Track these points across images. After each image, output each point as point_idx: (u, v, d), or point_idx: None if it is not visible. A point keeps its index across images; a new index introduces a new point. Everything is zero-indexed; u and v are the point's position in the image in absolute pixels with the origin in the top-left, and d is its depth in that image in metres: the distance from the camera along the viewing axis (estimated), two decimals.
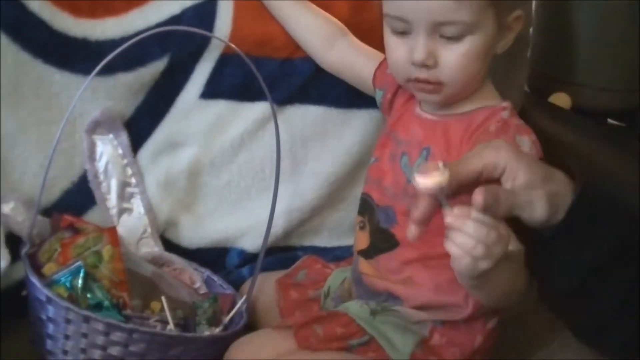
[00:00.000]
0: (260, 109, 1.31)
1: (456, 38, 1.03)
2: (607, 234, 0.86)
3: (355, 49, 1.28)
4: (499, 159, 0.86)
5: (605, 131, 1.45)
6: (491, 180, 0.87)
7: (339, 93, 1.37)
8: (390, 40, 1.08)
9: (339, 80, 1.35)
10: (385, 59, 1.17)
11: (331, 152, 1.39)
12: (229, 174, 1.35)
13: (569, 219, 0.85)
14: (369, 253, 1.14)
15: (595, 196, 0.86)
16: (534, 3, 1.73)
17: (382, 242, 1.12)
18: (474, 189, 0.84)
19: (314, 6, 1.31)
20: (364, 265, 1.14)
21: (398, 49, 1.07)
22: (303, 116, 1.37)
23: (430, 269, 1.09)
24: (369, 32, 1.27)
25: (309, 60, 1.35)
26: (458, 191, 0.87)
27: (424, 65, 1.04)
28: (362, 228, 1.16)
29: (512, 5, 1.07)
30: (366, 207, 1.15)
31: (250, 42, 1.29)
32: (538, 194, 0.85)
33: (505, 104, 1.09)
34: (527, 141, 1.04)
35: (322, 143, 1.38)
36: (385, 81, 1.21)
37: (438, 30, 1.02)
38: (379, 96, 1.23)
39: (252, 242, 1.34)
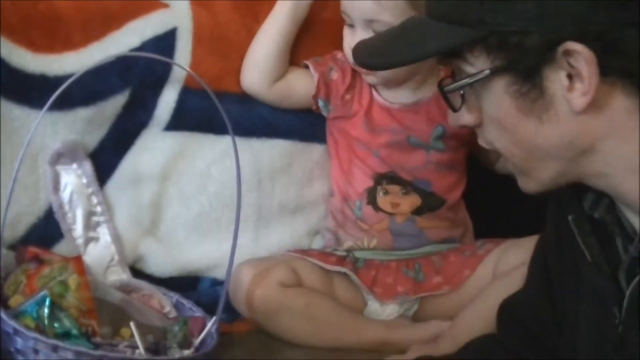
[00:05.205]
0: (227, 141, 1.31)
1: None
2: None
3: (290, 73, 1.40)
4: None
5: None
6: None
7: (303, 127, 1.41)
8: (345, 31, 1.37)
9: (302, 115, 1.39)
10: (320, 75, 1.39)
11: (296, 184, 1.41)
12: (200, 205, 1.36)
13: None
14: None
15: None
16: None
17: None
18: None
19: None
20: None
21: (347, 38, 1.37)
22: (270, 150, 1.39)
23: None
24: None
25: None
26: None
27: None
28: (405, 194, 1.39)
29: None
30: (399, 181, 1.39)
31: (209, 75, 1.30)
32: None
33: None
34: None
35: (289, 176, 1.40)
36: (329, 90, 1.39)
37: (370, 25, 1.31)
38: (324, 104, 1.39)
39: (223, 272, 1.31)
